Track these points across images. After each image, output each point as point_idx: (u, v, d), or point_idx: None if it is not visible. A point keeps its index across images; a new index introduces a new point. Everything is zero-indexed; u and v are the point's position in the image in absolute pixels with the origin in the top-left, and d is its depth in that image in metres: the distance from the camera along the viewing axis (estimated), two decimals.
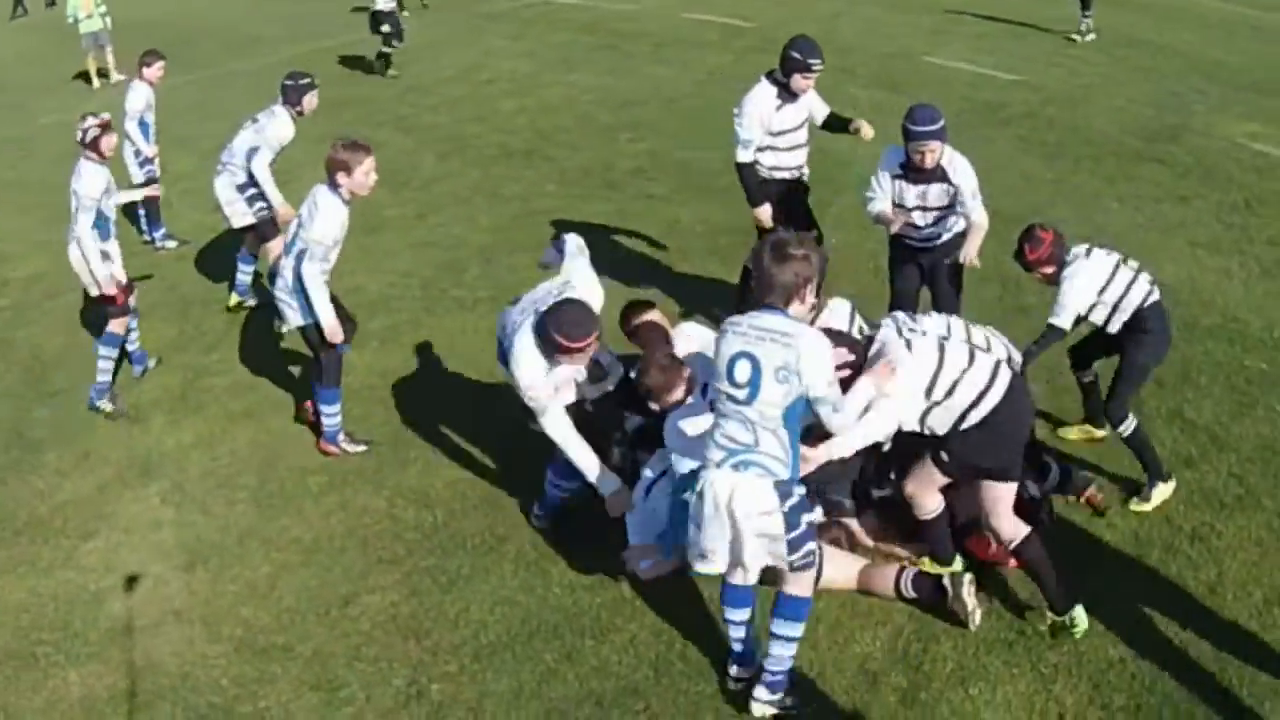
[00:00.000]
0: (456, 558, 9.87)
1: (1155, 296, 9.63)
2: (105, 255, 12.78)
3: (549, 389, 8.87)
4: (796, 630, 7.90)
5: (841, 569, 8.89)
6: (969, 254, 10.71)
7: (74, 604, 9.88)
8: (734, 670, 8.21)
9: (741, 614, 8.04)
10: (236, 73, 23.95)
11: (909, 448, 8.76)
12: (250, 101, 17.99)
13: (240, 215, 14.61)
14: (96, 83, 30.54)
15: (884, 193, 11.02)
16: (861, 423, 8.03)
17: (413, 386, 12.78)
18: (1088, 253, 9.67)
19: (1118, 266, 9.64)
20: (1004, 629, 8.54)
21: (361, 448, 11.67)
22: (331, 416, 11.63)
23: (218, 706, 8.65)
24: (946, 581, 8.54)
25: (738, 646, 8.16)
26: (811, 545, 7.63)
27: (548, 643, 8.82)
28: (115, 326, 13.07)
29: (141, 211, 17.76)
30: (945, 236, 11.14)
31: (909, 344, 8.29)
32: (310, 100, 14.58)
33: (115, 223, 13.06)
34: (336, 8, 33.29)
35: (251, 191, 14.44)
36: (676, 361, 9.09)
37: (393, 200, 17.96)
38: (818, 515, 9.16)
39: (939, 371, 8.18)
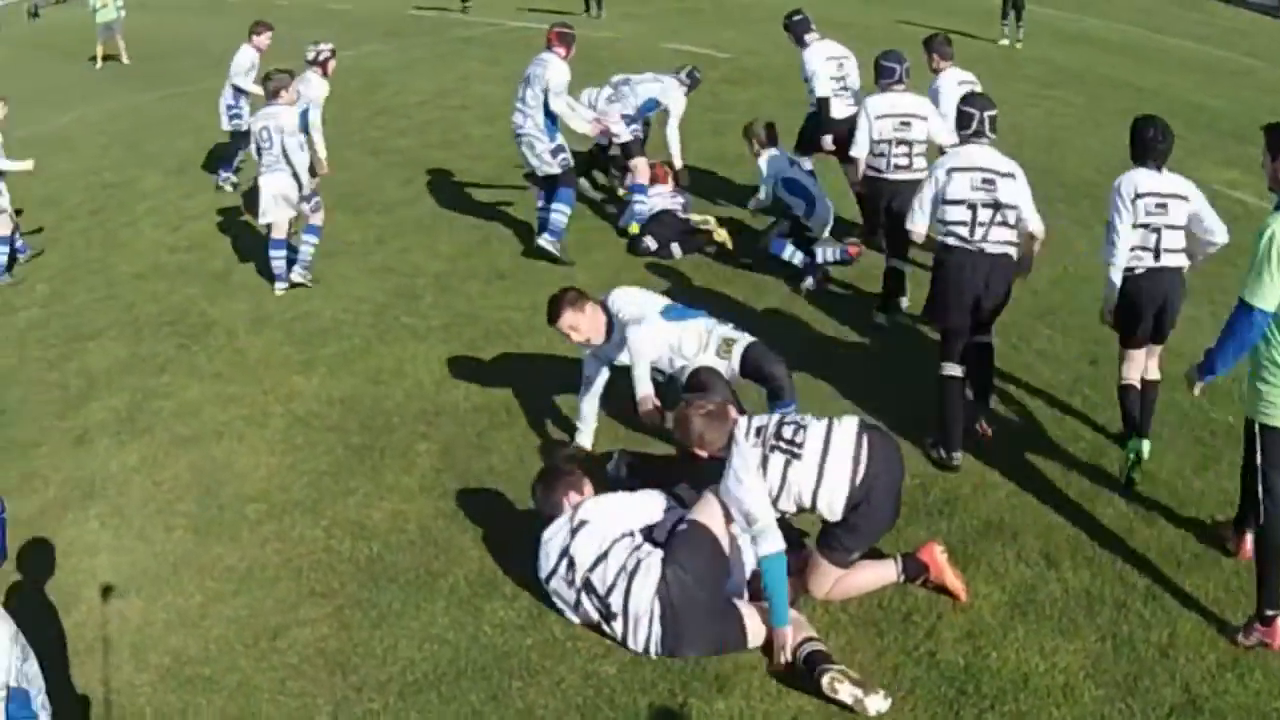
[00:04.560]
0: (389, 592, 9.61)
1: None
2: None
3: None
4: None
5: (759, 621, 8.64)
6: None
7: None
8: None
9: None
10: (211, 90, 23.77)
11: None
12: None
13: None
14: (99, 65, 35.89)
15: None
16: None
17: (360, 415, 12.52)
18: None
19: None
20: (945, 686, 8.26)
21: None
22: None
23: None
24: (824, 682, 8.05)
25: None
26: None
27: (474, 683, 8.53)
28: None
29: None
30: None
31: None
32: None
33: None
34: (319, 29, 33.20)
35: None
36: (722, 408, 9.03)
37: (354, 224, 17.83)
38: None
39: None
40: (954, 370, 11.11)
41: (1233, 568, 9.39)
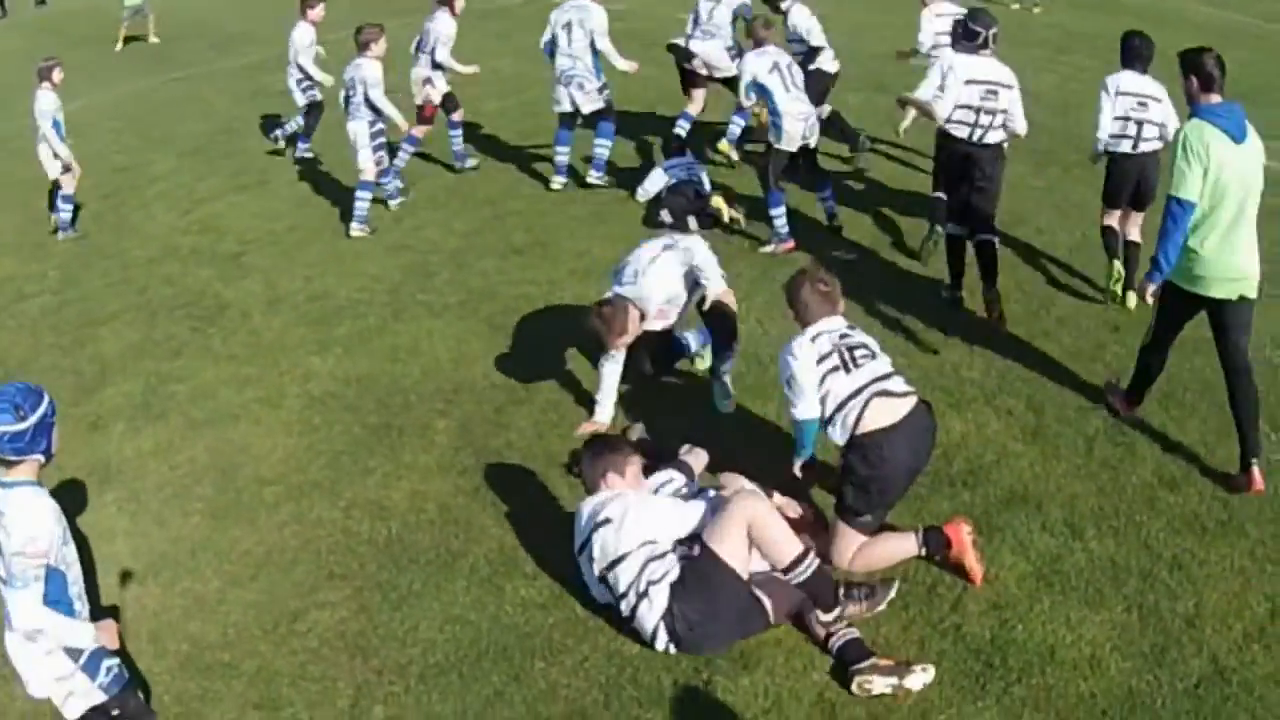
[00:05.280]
0: (409, 573, 9.56)
1: None
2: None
3: None
4: None
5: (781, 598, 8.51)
6: None
7: None
8: None
9: None
10: (222, 71, 23.70)
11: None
12: (234, 100, 18.05)
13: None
14: (120, 46, 35.02)
15: None
16: None
17: (376, 394, 12.45)
18: None
19: None
20: (971, 660, 8.20)
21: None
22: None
23: None
24: (854, 687, 7.94)
25: None
26: None
27: (496, 664, 8.50)
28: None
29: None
30: None
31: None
32: None
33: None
34: (333, 5, 33.10)
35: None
36: (835, 298, 9.30)
37: None
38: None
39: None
40: (954, 229, 13.45)
41: (1257, 535, 9.34)
